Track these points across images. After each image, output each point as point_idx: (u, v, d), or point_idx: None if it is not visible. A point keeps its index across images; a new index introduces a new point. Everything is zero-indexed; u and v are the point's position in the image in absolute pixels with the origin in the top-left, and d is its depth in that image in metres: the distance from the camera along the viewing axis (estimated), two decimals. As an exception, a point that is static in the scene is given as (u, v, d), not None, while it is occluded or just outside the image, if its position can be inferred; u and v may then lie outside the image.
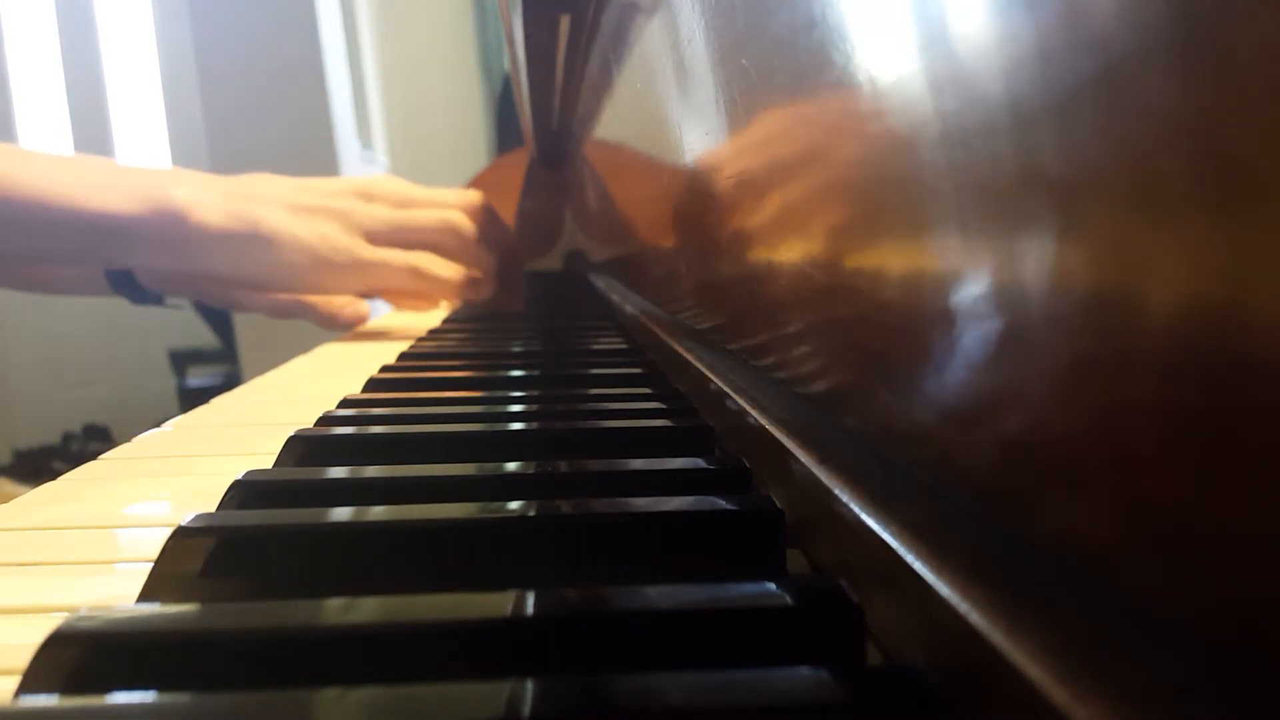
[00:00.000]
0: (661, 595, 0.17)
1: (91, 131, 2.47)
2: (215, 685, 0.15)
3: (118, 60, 2.52)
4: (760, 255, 0.28)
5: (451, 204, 0.72)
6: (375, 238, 0.66)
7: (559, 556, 0.21)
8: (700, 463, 0.26)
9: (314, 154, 1.78)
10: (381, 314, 1.05)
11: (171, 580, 0.20)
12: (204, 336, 2.22)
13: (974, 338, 0.15)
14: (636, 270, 0.65)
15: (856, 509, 0.17)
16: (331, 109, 1.86)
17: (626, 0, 0.50)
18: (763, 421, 0.25)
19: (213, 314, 2.02)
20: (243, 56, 1.82)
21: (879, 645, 0.16)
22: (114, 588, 0.21)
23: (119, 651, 0.16)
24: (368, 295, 0.70)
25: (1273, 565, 0.09)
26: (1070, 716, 0.10)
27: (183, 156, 2.44)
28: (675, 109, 0.41)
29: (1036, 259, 0.12)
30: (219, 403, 0.44)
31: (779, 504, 0.22)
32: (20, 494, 0.28)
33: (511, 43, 0.73)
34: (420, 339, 0.64)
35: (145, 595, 0.20)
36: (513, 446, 0.31)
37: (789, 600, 0.17)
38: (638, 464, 0.26)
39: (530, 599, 0.17)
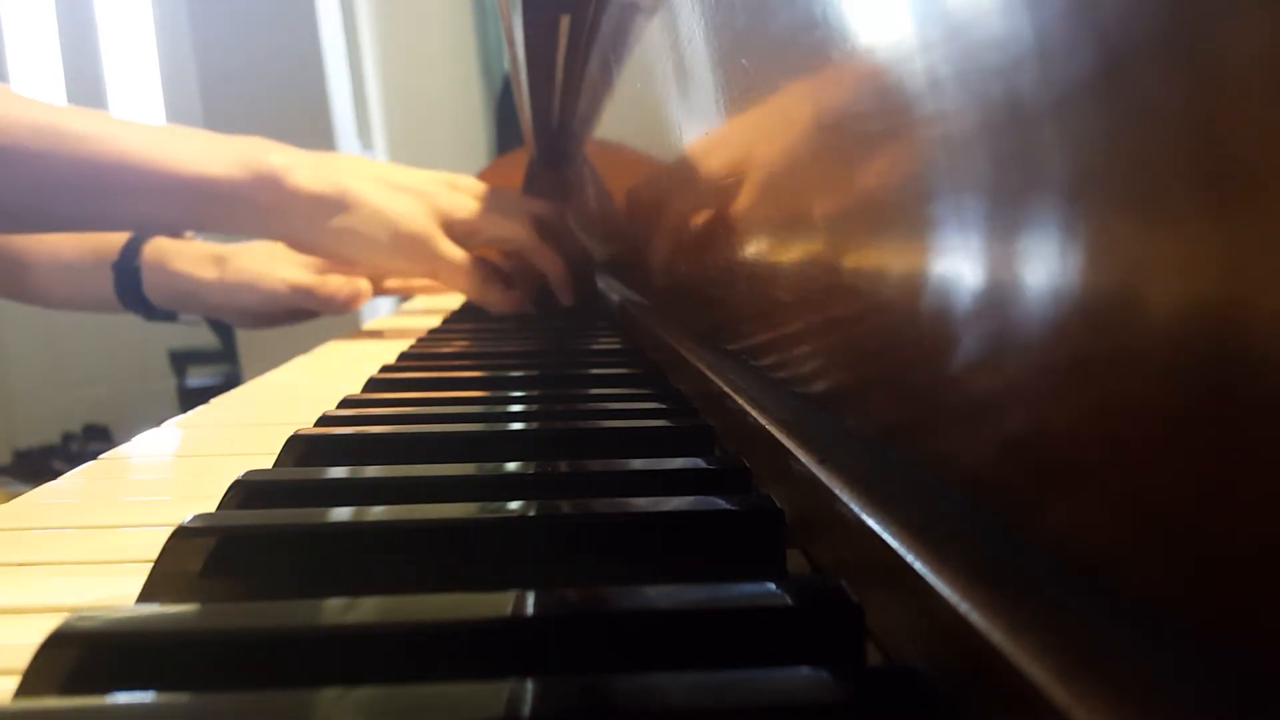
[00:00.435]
0: (661, 595, 0.17)
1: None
2: (215, 685, 0.15)
3: (117, 59, 2.52)
4: (760, 255, 0.28)
5: (524, 212, 0.74)
6: (454, 227, 0.68)
7: (559, 556, 0.21)
8: (700, 463, 0.26)
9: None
10: (381, 314, 1.05)
11: (171, 580, 0.20)
12: (204, 336, 2.22)
13: (974, 337, 0.15)
14: (636, 270, 0.65)
15: (856, 509, 0.17)
16: (331, 109, 1.86)
17: (626, 0, 0.50)
18: (763, 421, 0.25)
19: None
20: (243, 56, 1.82)
21: (879, 645, 0.16)
22: (114, 588, 0.21)
23: (119, 652, 0.16)
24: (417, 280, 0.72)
25: (1272, 565, 0.09)
26: (1070, 716, 0.10)
27: (183, 156, 2.44)
28: (675, 109, 0.41)
29: (1036, 258, 0.12)
30: (219, 403, 0.44)
31: (779, 504, 0.22)
32: (20, 494, 0.28)
33: (511, 43, 0.73)
34: (420, 339, 0.64)
35: (145, 595, 0.20)
36: (513, 446, 0.31)
37: (789, 600, 0.17)
38: (638, 464, 0.26)
39: (530, 599, 0.17)
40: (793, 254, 0.25)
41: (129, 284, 0.75)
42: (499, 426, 0.32)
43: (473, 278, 0.68)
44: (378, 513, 0.22)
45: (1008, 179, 0.13)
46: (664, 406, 0.35)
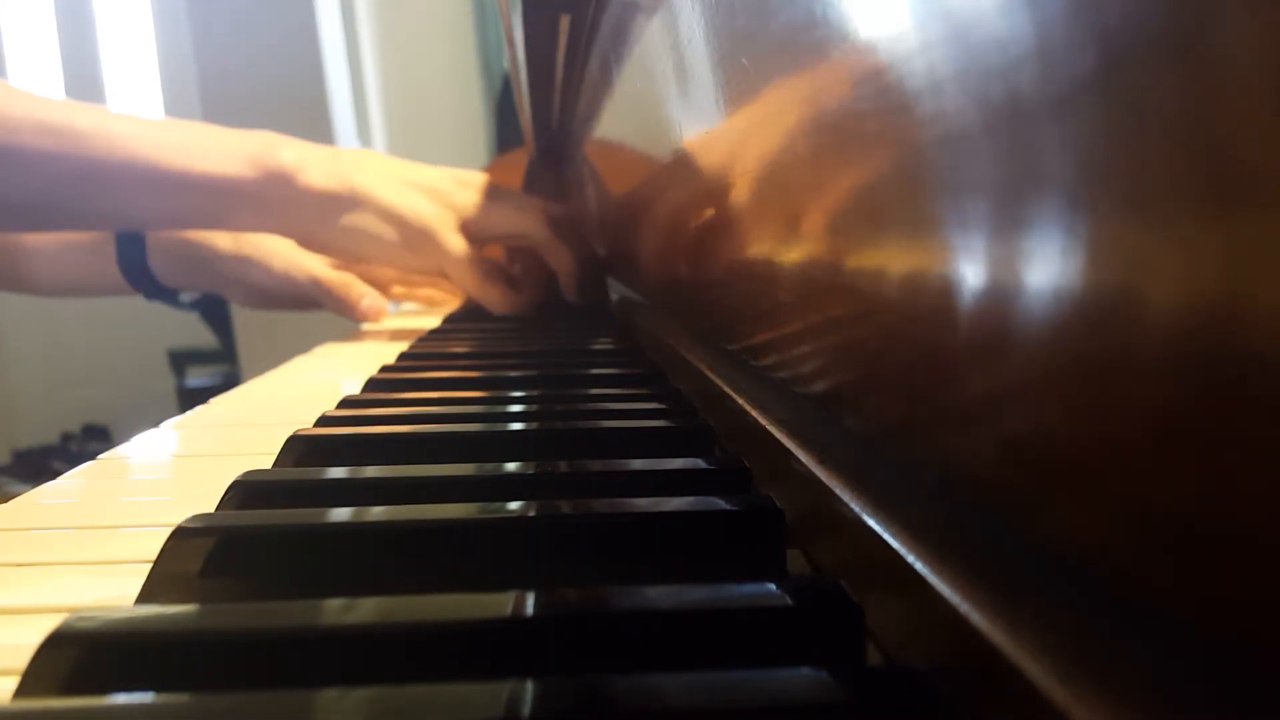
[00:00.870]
0: (661, 595, 0.17)
1: (91, 131, 2.46)
2: (214, 686, 0.15)
3: (117, 58, 2.52)
4: (760, 255, 0.28)
5: (539, 206, 0.74)
6: (467, 224, 0.68)
7: (559, 556, 0.21)
8: (700, 463, 0.26)
9: (313, 154, 1.78)
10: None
11: (171, 580, 0.20)
12: (203, 336, 2.22)
13: (974, 337, 0.15)
14: (636, 269, 0.64)
15: (856, 509, 0.17)
16: (331, 108, 1.86)
17: (626, 0, 0.50)
18: (763, 421, 0.25)
19: (213, 314, 2.01)
20: (242, 56, 1.82)
21: (879, 645, 0.16)
22: (113, 588, 0.21)
23: (118, 652, 0.16)
24: (430, 277, 0.72)
25: (1273, 565, 0.09)
26: (1070, 717, 0.10)
27: (182, 156, 2.44)
28: (675, 109, 0.41)
29: (1037, 258, 0.12)
30: (218, 403, 0.44)
31: (779, 504, 0.22)
32: (20, 494, 0.28)
33: (511, 43, 0.73)
34: (420, 339, 0.64)
35: (144, 595, 0.20)
36: (512, 447, 0.31)
37: (789, 600, 0.17)
38: (638, 464, 0.26)
39: (530, 599, 0.17)
40: (793, 253, 0.25)
41: (133, 255, 0.73)
42: (499, 426, 0.32)
43: (478, 276, 0.68)
44: (377, 513, 0.22)
45: (1008, 178, 0.13)
46: (664, 406, 0.35)
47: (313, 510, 0.22)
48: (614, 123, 0.66)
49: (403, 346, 0.59)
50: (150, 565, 0.20)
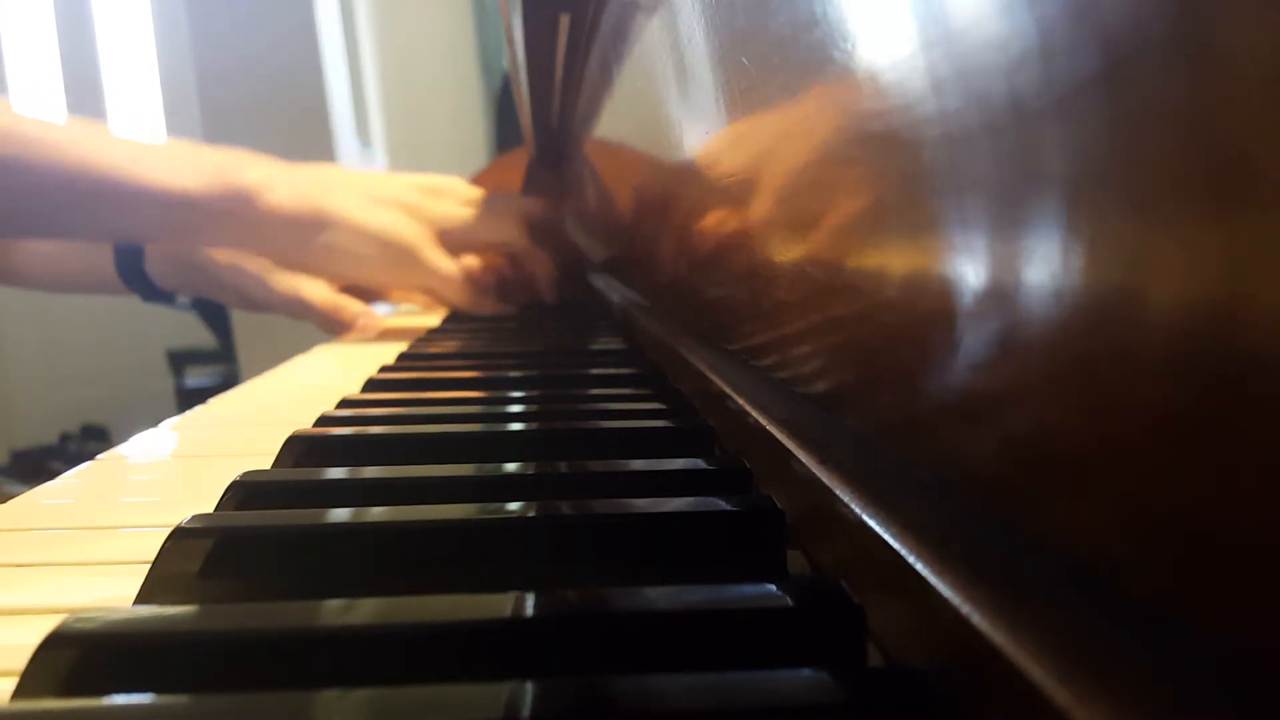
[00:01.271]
0: (662, 596, 0.17)
1: (90, 131, 2.46)
2: (213, 686, 0.15)
3: (116, 59, 2.52)
4: (760, 255, 0.28)
5: (516, 211, 0.73)
6: (444, 236, 0.68)
7: (559, 557, 0.21)
8: (700, 463, 0.26)
9: (313, 153, 1.77)
10: (380, 315, 1.04)
11: (169, 581, 0.20)
12: (202, 336, 2.22)
13: (974, 337, 0.15)
14: (636, 270, 0.64)
15: (857, 509, 0.17)
16: (331, 108, 1.86)
17: (626, 0, 0.50)
18: (763, 421, 0.25)
19: (211, 314, 2.01)
20: (241, 56, 1.82)
21: (880, 646, 0.16)
22: (112, 588, 0.21)
23: (117, 652, 0.16)
24: (412, 293, 0.72)
25: (1273, 565, 0.09)
26: (1070, 717, 0.10)
27: (181, 156, 2.44)
28: (675, 108, 0.41)
29: (1037, 258, 0.12)
30: (217, 403, 0.44)
31: (779, 504, 0.22)
32: (18, 494, 0.28)
33: (511, 42, 0.73)
34: (420, 339, 0.64)
35: (143, 596, 0.19)
36: (512, 447, 0.31)
37: (789, 601, 0.17)
38: (638, 464, 0.26)
39: (530, 600, 0.17)
40: (793, 253, 0.25)
41: (131, 259, 0.74)
42: (498, 427, 0.32)
43: (465, 290, 0.68)
44: (376, 513, 0.22)
45: (1008, 178, 0.13)
46: (664, 406, 0.35)
47: (312, 510, 0.22)
48: (614, 122, 0.66)
49: (402, 346, 0.59)
50: (149, 565, 0.20)
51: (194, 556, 0.20)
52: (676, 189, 0.43)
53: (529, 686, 0.14)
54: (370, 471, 0.26)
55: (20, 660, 0.15)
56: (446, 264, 0.67)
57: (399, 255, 0.65)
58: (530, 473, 0.26)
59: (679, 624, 0.16)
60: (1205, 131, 0.09)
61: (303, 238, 0.63)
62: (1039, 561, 0.13)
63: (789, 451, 0.22)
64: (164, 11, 2.43)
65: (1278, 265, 0.08)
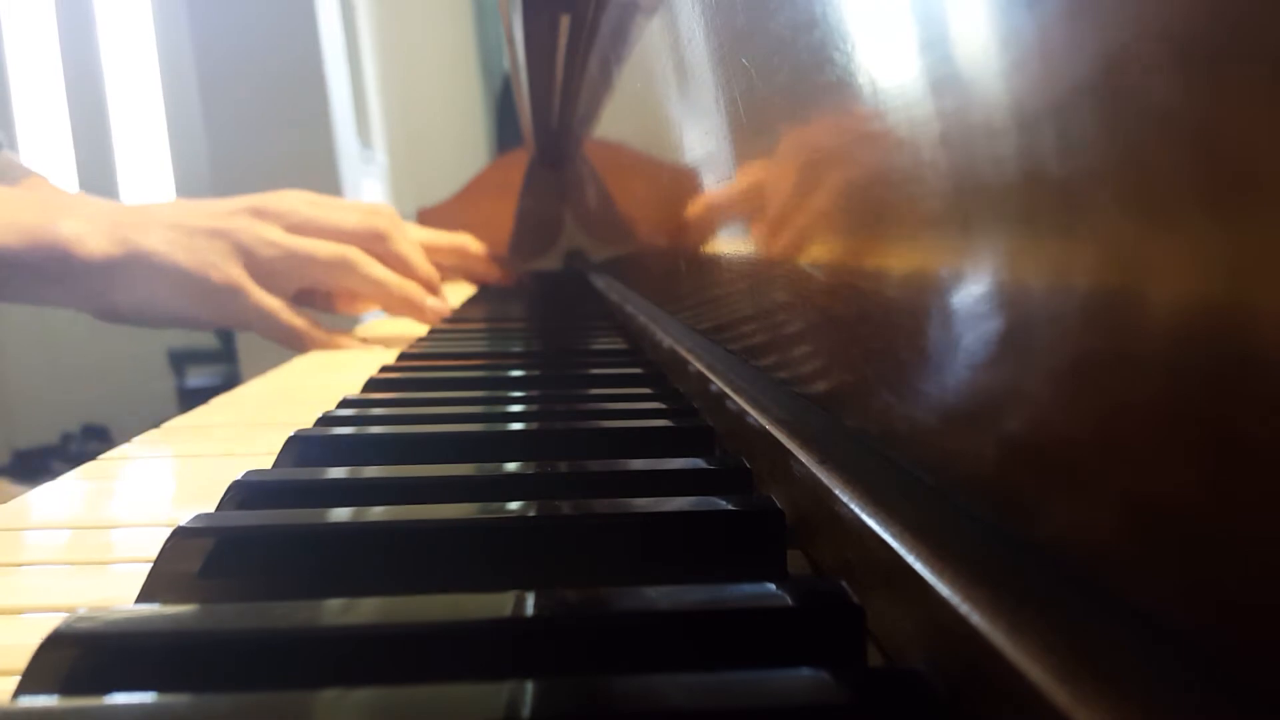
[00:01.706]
0: (661, 596, 0.17)
1: (92, 133, 2.47)
2: (214, 686, 0.15)
3: (117, 60, 2.52)
4: (760, 255, 0.28)
5: (351, 229, 0.67)
6: (262, 265, 0.63)
7: (559, 557, 0.21)
8: (700, 463, 0.26)
9: (314, 154, 1.78)
10: (381, 315, 1.04)
11: (170, 580, 0.20)
12: (203, 336, 2.22)
13: (975, 338, 0.15)
14: (636, 269, 0.65)
15: (857, 509, 0.17)
16: (331, 109, 1.86)
17: (626, 0, 0.50)
18: (763, 421, 0.25)
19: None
20: (242, 57, 1.82)
21: (880, 646, 0.16)
22: (113, 588, 0.21)
23: (118, 652, 0.16)
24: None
25: (1273, 566, 0.09)
26: (1071, 717, 0.10)
27: (183, 157, 2.44)
28: (675, 108, 0.41)
29: (1037, 259, 0.12)
30: (218, 403, 0.44)
31: (779, 504, 0.22)
32: (19, 494, 0.28)
33: (511, 43, 0.73)
34: (420, 339, 0.64)
35: (144, 595, 0.20)
36: (512, 446, 0.31)
37: (789, 601, 0.17)
38: (638, 464, 0.26)
39: (530, 599, 0.17)
40: (793, 253, 0.25)
41: None
42: (499, 426, 0.32)
43: (290, 330, 0.63)
44: (377, 513, 0.22)
45: (1007, 178, 0.13)
46: (664, 406, 0.35)
47: (313, 510, 0.22)
48: (614, 122, 0.66)
49: (402, 347, 0.59)
50: (150, 565, 0.20)
51: (195, 556, 0.20)
52: (676, 188, 0.43)
53: (529, 686, 0.14)
54: (371, 471, 0.26)
55: (21, 660, 0.15)
56: (266, 301, 0.63)
57: (214, 297, 0.61)
58: (530, 472, 0.26)
59: (679, 624, 0.16)
60: (1204, 131, 0.09)
61: (121, 284, 0.60)
62: (1039, 561, 0.13)
63: (789, 451, 0.22)
64: (165, 12, 2.43)
65: (1278, 265, 0.08)
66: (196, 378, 2.29)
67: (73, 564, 0.23)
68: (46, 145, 2.46)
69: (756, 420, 0.25)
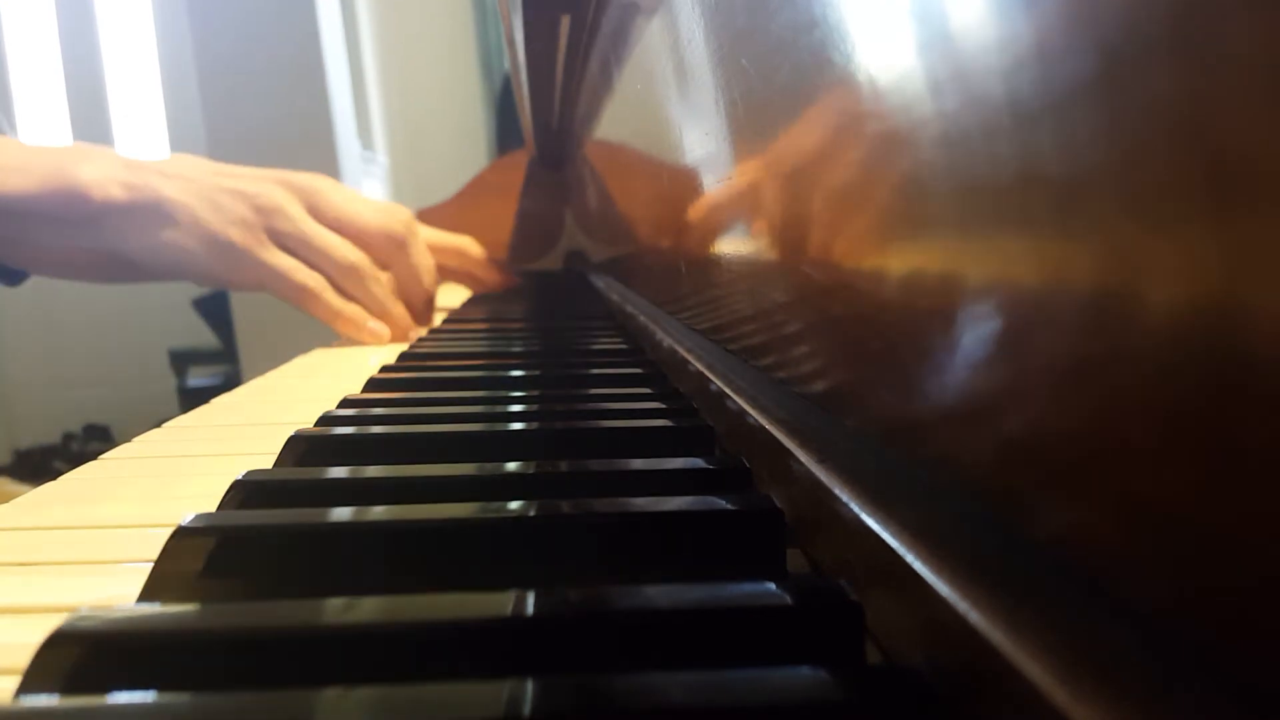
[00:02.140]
0: (661, 595, 0.17)
1: (92, 131, 2.47)
2: (215, 685, 0.15)
3: (118, 60, 2.52)
4: (760, 255, 0.28)
5: (373, 229, 0.67)
6: (281, 238, 0.63)
7: (559, 556, 0.21)
8: (700, 463, 0.26)
9: (314, 154, 1.78)
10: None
11: (172, 580, 0.20)
12: (204, 336, 2.22)
13: (974, 338, 0.15)
14: (636, 270, 0.65)
15: (856, 509, 0.17)
16: (331, 109, 1.86)
17: (626, 0, 0.50)
18: (763, 421, 0.25)
19: (213, 314, 2.02)
20: (242, 57, 1.82)
21: (879, 645, 0.16)
22: (114, 588, 0.21)
23: (119, 651, 0.16)
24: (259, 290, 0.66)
25: (1272, 565, 0.09)
26: (1070, 717, 0.10)
27: (183, 157, 2.44)
28: (675, 109, 0.41)
29: (1036, 259, 0.12)
30: (219, 403, 0.44)
31: (779, 504, 0.22)
32: (20, 494, 0.29)
33: (511, 43, 0.73)
34: (420, 339, 0.64)
35: (145, 595, 0.20)
36: (513, 446, 0.31)
37: (789, 600, 0.17)
38: (638, 464, 0.26)
39: (530, 599, 0.17)
40: (793, 253, 0.25)
41: None
42: (499, 426, 0.32)
43: (303, 290, 0.62)
44: (378, 513, 0.22)
45: (1007, 178, 0.13)
46: (664, 406, 0.35)
47: (313, 510, 0.22)
48: (614, 123, 0.66)
49: (403, 347, 0.59)
50: (151, 565, 0.20)
51: (197, 555, 0.20)
52: (676, 189, 0.43)
53: (529, 685, 0.14)
54: (372, 471, 0.26)
55: (23, 659, 0.15)
56: (281, 260, 0.62)
57: (227, 250, 0.61)
58: (531, 472, 0.26)
59: (679, 622, 0.16)
60: (1204, 131, 0.09)
61: (138, 231, 0.59)
62: (1038, 561, 0.13)
63: (789, 451, 0.22)
64: (166, 14, 2.43)
65: (1277, 265, 0.08)
66: (197, 378, 2.29)
67: (74, 563, 0.23)
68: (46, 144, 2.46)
69: (756, 420, 0.25)
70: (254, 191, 0.63)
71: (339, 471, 0.26)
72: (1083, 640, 0.11)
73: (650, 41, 0.44)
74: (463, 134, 2.77)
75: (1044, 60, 0.12)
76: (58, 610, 0.19)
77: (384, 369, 0.47)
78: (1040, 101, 0.12)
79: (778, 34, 0.23)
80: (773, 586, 0.17)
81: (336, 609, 0.17)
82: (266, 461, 0.29)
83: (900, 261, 0.18)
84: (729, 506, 0.22)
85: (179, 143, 2.46)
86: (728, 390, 0.29)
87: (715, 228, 0.35)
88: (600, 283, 0.89)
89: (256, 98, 1.81)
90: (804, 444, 0.22)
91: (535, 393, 0.40)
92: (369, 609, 0.17)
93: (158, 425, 0.38)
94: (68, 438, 2.45)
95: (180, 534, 0.20)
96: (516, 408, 0.37)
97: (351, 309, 0.64)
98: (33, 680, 0.15)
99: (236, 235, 0.61)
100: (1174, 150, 0.09)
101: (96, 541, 0.24)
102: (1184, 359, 0.10)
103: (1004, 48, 0.13)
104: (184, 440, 0.37)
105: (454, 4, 2.77)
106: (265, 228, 0.62)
